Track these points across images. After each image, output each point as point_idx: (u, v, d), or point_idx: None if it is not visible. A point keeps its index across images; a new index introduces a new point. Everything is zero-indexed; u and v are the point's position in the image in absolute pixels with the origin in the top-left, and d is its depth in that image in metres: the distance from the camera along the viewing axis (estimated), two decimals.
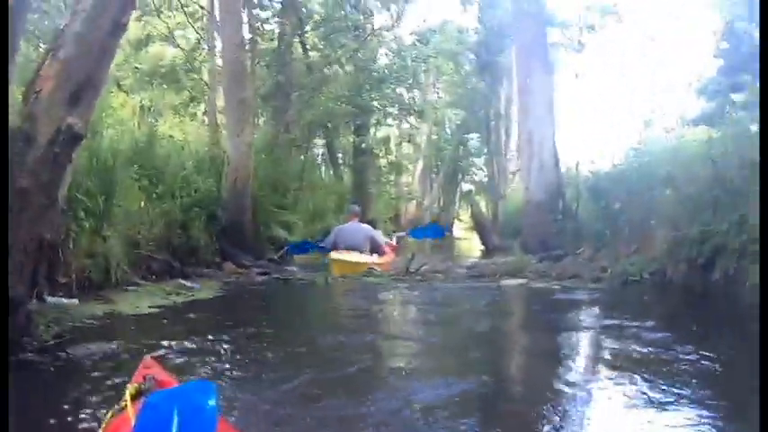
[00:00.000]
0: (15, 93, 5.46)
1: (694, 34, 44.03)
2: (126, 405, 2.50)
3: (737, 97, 17.22)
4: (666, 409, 4.07)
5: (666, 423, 3.88)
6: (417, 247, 19.43)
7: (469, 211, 29.47)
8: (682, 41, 45.77)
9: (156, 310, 7.47)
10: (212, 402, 2.38)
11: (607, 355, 5.91)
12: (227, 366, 5.08)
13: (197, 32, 19.09)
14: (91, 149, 7.87)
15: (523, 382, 5.41)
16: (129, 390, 2.62)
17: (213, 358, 5.27)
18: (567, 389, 4.61)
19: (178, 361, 5.06)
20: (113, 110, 10.83)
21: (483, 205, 30.05)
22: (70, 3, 6.87)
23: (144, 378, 2.83)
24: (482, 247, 20.89)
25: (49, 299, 6.50)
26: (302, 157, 19.94)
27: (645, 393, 4.39)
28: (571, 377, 4.99)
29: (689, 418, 3.89)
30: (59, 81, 5.04)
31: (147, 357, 3.43)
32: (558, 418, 4.00)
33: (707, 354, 5.35)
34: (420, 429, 3.81)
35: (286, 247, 13.44)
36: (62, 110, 5.00)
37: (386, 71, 22.47)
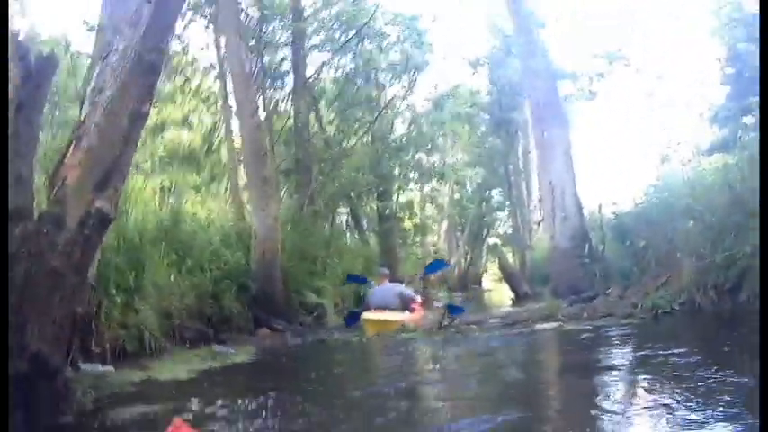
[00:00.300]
0: (39, 181, 5.85)
1: (699, 65, 44.07)
2: None
3: (748, 120, 17.37)
4: (703, 426, 4.37)
5: None
6: (449, 300, 19.66)
7: (497, 263, 29.58)
8: (688, 75, 45.92)
9: (194, 375, 7.63)
10: None
11: (642, 383, 6.20)
12: (273, 423, 5.30)
13: (212, 117, 19.71)
14: (117, 229, 8.13)
15: (563, 413, 5.59)
16: None
17: (257, 416, 5.47)
18: (607, 416, 4.91)
19: (221, 420, 5.30)
20: (135, 191, 11.06)
21: (510, 256, 30.18)
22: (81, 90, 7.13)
23: None
24: (512, 296, 21.10)
25: (84, 366, 6.80)
26: (326, 226, 20.35)
27: (682, 415, 4.66)
28: (609, 406, 5.26)
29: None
30: (85, 169, 5.38)
31: (176, 419, 3.69)
32: None
33: (734, 372, 5.64)
34: None
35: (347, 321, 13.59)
36: (90, 194, 5.33)
37: (403, 140, 22.96)
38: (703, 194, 11.75)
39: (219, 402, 5.86)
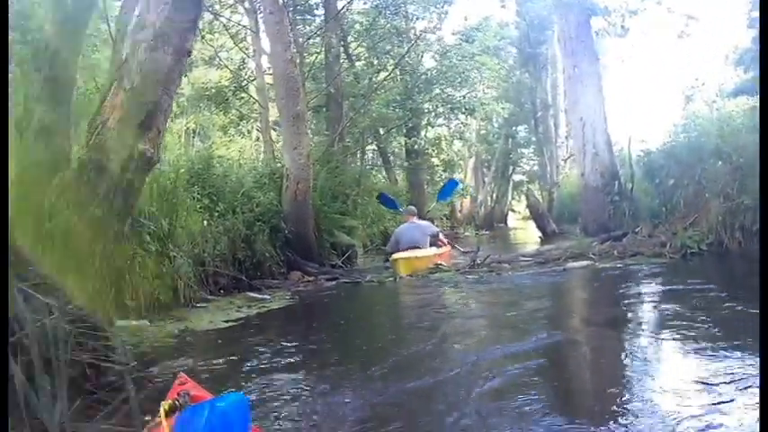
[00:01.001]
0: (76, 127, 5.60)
1: (728, 7, 43.47)
2: (161, 421, 2.62)
3: None
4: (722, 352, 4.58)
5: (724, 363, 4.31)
6: (478, 239, 19.49)
7: (524, 201, 29.42)
8: (717, 16, 45.42)
9: (233, 323, 7.46)
10: (244, 413, 2.51)
11: (669, 312, 6.54)
12: (327, 362, 5.26)
13: (243, 52, 19.31)
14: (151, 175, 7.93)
15: (597, 337, 5.94)
16: (164, 406, 2.73)
17: (307, 358, 5.46)
18: (636, 339, 5.44)
19: (278, 364, 5.21)
20: (165, 134, 10.84)
21: (537, 193, 30.06)
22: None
23: (178, 394, 2.94)
24: (539, 235, 21.11)
25: (119, 322, 6.59)
26: (353, 164, 20.15)
27: (705, 342, 4.95)
28: (639, 330, 5.83)
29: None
30: (126, 110, 5.15)
31: (182, 374, 3.52)
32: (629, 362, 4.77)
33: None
34: None
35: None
36: (132, 137, 5.11)
37: (433, 72, 22.59)
38: (731, 135, 11.81)
39: (262, 349, 5.80)
